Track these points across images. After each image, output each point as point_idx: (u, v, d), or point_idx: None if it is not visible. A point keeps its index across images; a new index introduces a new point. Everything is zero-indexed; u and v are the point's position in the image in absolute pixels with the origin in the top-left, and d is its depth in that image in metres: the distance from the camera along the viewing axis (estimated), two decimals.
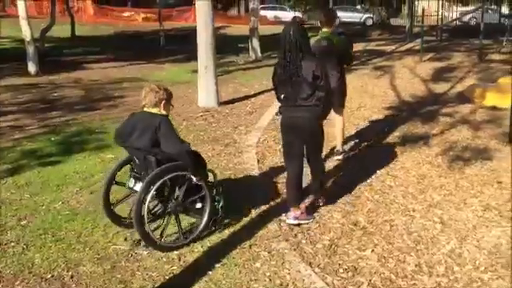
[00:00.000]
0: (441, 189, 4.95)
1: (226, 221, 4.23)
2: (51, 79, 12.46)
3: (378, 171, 5.47)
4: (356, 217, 4.40)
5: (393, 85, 10.44)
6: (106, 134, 7.04)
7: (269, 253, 3.78)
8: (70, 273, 3.54)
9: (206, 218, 3.95)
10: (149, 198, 3.64)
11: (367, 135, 6.89)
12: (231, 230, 4.14)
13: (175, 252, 3.77)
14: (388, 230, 4.15)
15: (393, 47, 17.39)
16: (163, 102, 3.84)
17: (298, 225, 4.20)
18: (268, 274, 3.51)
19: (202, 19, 8.68)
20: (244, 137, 6.84)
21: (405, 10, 25.94)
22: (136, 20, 33.22)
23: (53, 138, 6.90)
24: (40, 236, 4.06)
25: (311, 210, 4.46)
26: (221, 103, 8.89)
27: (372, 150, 6.09)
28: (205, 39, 8.67)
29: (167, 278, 3.48)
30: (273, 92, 10.80)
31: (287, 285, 3.38)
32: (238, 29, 25.86)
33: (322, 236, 4.07)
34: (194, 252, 3.79)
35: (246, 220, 4.29)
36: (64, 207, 4.61)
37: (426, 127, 7.11)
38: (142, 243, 3.80)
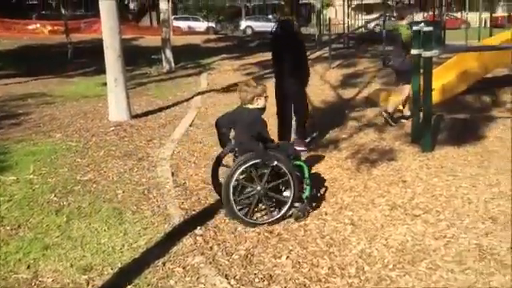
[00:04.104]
0: (351, 191, 5.11)
1: (140, 239, 4.11)
2: None
3: None
4: (271, 224, 4.43)
5: None
6: (7, 155, 6.58)
7: (184, 268, 3.69)
8: None
9: (288, 204, 4.43)
10: (235, 177, 4.23)
11: None
12: (144, 247, 4.02)
13: (83, 276, 3.57)
14: (302, 235, 4.22)
15: None
16: (255, 97, 4.43)
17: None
18: None
19: (107, 30, 8.41)
20: (158, 150, 6.69)
21: (314, 19, 26.84)
22: (42, 33, 31.63)
23: None
24: None
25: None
26: (133, 116, 8.65)
27: None
28: (113, 50, 8.39)
29: None
30: (186, 103, 10.65)
31: None
32: (151, 40, 25.44)
33: (238, 246, 4.05)
34: (103, 275, 3.61)
35: (159, 236, 4.18)
36: None
37: (337, 131, 7.36)
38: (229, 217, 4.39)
